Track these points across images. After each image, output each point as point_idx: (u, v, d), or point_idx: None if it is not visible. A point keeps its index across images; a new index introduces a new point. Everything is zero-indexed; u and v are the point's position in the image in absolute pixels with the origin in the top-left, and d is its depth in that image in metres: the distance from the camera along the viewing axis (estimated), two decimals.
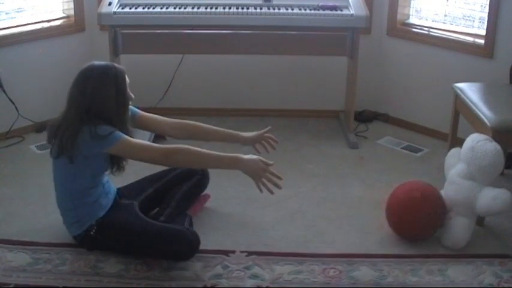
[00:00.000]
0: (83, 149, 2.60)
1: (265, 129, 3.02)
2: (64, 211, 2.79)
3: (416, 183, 3.02)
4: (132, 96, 2.76)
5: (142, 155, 2.64)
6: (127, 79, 2.72)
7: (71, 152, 2.61)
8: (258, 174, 2.65)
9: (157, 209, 2.94)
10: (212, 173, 3.14)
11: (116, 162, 2.74)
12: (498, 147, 2.85)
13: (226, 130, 3.02)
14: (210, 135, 2.98)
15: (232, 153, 2.71)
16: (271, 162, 2.69)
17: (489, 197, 2.81)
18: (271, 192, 2.69)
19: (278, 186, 2.67)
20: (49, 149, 2.75)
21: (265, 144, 3.00)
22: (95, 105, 2.63)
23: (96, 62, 2.73)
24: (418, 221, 2.87)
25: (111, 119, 2.64)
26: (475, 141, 2.88)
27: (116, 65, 2.74)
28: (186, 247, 2.69)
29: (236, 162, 2.67)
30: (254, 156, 2.70)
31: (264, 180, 2.65)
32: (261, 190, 2.68)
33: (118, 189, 2.94)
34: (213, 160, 2.68)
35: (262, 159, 2.69)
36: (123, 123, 2.69)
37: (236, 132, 3.02)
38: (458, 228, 2.87)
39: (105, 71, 2.66)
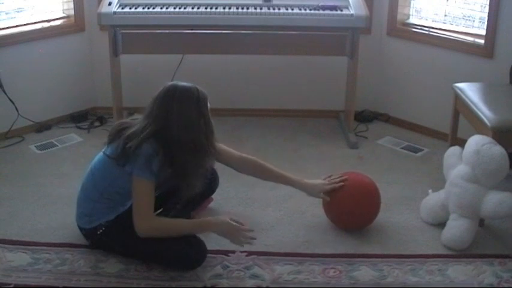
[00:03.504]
0: (131, 160, 2.59)
1: (329, 178, 2.99)
2: (84, 198, 2.76)
3: (356, 174, 3.09)
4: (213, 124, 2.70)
5: (138, 208, 2.61)
6: (208, 105, 2.68)
7: (125, 161, 2.59)
8: (232, 235, 2.69)
9: (161, 209, 2.93)
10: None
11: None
12: (503, 151, 2.85)
13: (291, 176, 3.00)
14: (276, 178, 3.00)
15: (201, 219, 2.85)
16: (241, 222, 2.72)
17: (495, 202, 2.81)
18: (249, 243, 2.72)
19: (252, 242, 2.71)
20: (106, 143, 2.71)
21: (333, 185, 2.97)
22: (170, 127, 2.58)
23: (183, 83, 2.66)
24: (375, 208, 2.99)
25: (194, 145, 2.61)
26: (480, 145, 2.88)
27: (199, 87, 2.67)
28: (191, 255, 2.67)
29: (209, 225, 2.72)
30: (224, 218, 2.71)
31: (240, 239, 2.69)
32: (240, 245, 2.72)
33: None
34: (188, 227, 2.71)
35: (234, 219, 2.71)
36: (207, 152, 2.67)
37: (300, 179, 2.99)
38: (462, 230, 2.87)
39: (188, 91, 2.62)
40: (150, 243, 2.67)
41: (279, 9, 3.85)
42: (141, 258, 2.73)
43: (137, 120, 2.68)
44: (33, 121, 4.10)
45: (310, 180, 3.00)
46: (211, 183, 3.07)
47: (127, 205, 2.76)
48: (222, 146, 2.94)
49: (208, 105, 2.69)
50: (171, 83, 2.67)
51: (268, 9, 3.85)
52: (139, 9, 3.82)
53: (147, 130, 2.58)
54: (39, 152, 3.86)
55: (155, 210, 2.92)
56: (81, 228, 2.79)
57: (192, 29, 4.04)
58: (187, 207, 2.92)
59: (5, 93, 3.94)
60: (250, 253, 2.80)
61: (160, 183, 2.67)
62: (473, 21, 3.90)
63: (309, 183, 2.98)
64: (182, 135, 2.60)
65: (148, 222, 2.63)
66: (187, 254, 2.67)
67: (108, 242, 2.74)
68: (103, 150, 2.73)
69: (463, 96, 3.35)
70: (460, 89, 3.41)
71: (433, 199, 3.11)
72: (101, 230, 2.73)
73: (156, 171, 2.59)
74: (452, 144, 3.37)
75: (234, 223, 2.69)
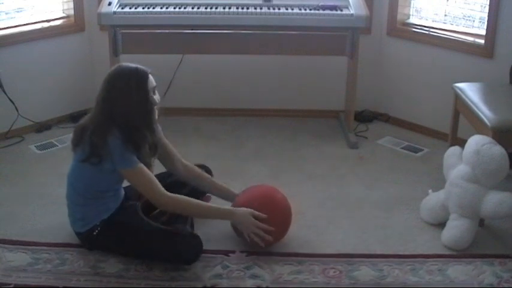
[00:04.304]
0: (107, 158, 2.61)
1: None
2: (72, 205, 2.79)
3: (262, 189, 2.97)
4: (157, 100, 2.72)
5: (147, 193, 2.68)
6: (151, 82, 2.69)
7: (98, 159, 2.61)
8: (247, 227, 2.72)
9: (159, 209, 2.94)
10: (213, 173, 3.14)
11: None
12: (504, 151, 2.85)
13: (225, 188, 3.01)
14: (210, 188, 3.01)
15: (227, 207, 2.83)
16: (263, 216, 2.72)
17: (495, 202, 2.81)
18: (260, 245, 2.73)
19: (265, 241, 2.72)
20: (72, 150, 2.73)
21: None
22: (117, 111, 2.62)
23: (123, 65, 2.71)
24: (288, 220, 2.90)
25: (136, 126, 2.64)
26: (480, 145, 2.88)
27: (140, 67, 2.70)
28: (188, 252, 2.69)
29: (231, 215, 2.77)
30: (246, 211, 2.73)
31: (252, 234, 2.71)
32: (248, 240, 2.74)
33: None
34: (211, 212, 2.78)
35: (255, 213, 2.72)
36: (148, 131, 2.69)
37: (233, 192, 2.99)
38: (462, 230, 2.87)
39: (127, 75, 2.65)
40: (146, 239, 2.68)
41: (279, 9, 3.85)
42: (139, 254, 2.73)
43: (89, 116, 2.70)
44: (33, 121, 4.10)
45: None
46: None
47: (118, 202, 2.78)
48: (170, 147, 2.97)
49: (152, 82, 2.69)
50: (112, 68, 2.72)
51: (268, 9, 3.85)
52: (139, 9, 3.82)
53: (101, 121, 2.61)
54: (39, 152, 3.86)
55: (153, 210, 2.93)
56: (77, 233, 2.80)
57: (192, 29, 4.03)
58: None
59: (5, 93, 3.94)
60: (250, 253, 2.80)
61: (144, 161, 2.70)
62: (473, 21, 3.90)
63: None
64: (128, 114, 2.63)
65: (165, 198, 2.68)
66: (184, 249, 2.68)
67: (105, 241, 2.75)
68: (73, 159, 2.75)
69: (463, 96, 3.35)
70: (460, 89, 3.42)
71: (433, 199, 3.10)
72: (96, 231, 2.73)
73: (133, 154, 2.62)
74: (452, 144, 3.37)
75: (253, 219, 2.71)
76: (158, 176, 2.82)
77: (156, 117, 2.75)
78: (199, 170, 3.01)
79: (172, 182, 2.94)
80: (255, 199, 2.83)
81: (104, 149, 2.60)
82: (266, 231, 2.72)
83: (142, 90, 2.65)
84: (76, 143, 2.70)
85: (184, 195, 2.82)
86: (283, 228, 2.86)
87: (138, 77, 2.66)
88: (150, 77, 2.70)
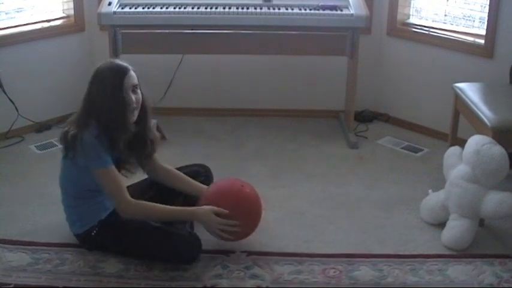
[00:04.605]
0: (80, 153, 2.61)
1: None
2: (66, 208, 2.80)
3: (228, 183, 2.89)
4: (133, 99, 2.65)
5: (113, 196, 2.65)
6: (131, 79, 2.65)
7: (73, 153, 2.61)
8: (210, 226, 2.70)
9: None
10: (213, 173, 3.14)
11: (123, 167, 2.75)
12: (504, 150, 2.85)
13: (201, 187, 2.93)
14: (189, 189, 2.93)
15: (190, 208, 2.78)
16: (225, 212, 2.69)
17: (495, 202, 2.81)
18: (229, 240, 2.73)
19: (233, 235, 2.71)
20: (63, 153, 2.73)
21: None
22: (94, 108, 2.62)
23: (104, 62, 2.68)
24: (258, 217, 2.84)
25: (110, 124, 2.61)
26: (480, 145, 2.88)
27: (119, 64, 2.67)
28: (187, 251, 2.69)
29: (192, 215, 2.75)
30: (207, 209, 2.70)
31: (217, 231, 2.69)
32: (218, 238, 2.74)
33: None
34: (174, 215, 2.74)
35: (215, 209, 2.69)
36: (122, 129, 2.64)
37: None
38: (462, 230, 2.87)
39: (103, 72, 2.63)
40: (145, 239, 2.68)
41: (279, 9, 3.85)
42: (138, 254, 2.73)
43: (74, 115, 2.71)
44: (33, 121, 4.10)
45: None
46: (204, 182, 3.07)
47: (112, 203, 2.76)
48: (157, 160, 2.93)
49: (130, 79, 2.64)
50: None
51: (268, 9, 3.85)
52: (139, 9, 3.82)
53: (80, 116, 2.62)
54: (39, 152, 3.86)
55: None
56: (76, 235, 2.80)
57: (192, 29, 4.03)
58: (184, 206, 2.93)
59: (5, 93, 3.94)
60: (250, 253, 2.80)
61: (123, 159, 2.70)
62: (473, 21, 3.90)
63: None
64: (103, 111, 2.60)
65: (128, 205, 2.65)
66: (183, 248, 2.68)
67: (104, 242, 2.74)
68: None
69: (463, 96, 3.35)
70: (460, 89, 3.41)
71: (433, 199, 3.10)
72: (95, 231, 2.73)
73: (107, 154, 2.61)
74: (452, 144, 3.36)
75: (215, 217, 2.68)
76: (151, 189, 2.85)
77: (135, 115, 2.68)
78: (176, 172, 2.95)
79: (167, 190, 2.93)
80: (216, 194, 2.79)
81: (77, 144, 2.58)
82: (231, 226, 2.68)
83: (116, 87, 2.61)
84: (60, 141, 2.71)
85: (180, 202, 2.84)
86: (250, 220, 2.79)
87: (114, 74, 2.62)
88: (131, 74, 2.65)
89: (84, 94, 2.67)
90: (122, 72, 2.64)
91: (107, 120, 2.61)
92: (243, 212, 2.75)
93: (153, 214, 2.71)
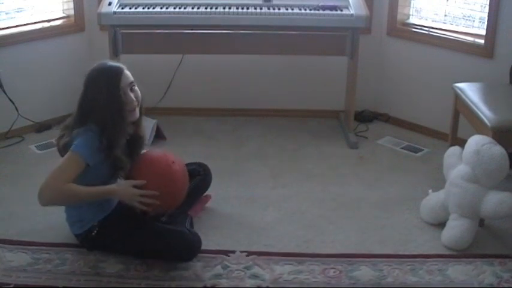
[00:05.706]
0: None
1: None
2: (67, 208, 2.80)
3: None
4: (133, 97, 2.66)
5: (50, 175, 2.59)
6: (127, 78, 2.65)
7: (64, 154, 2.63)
8: (130, 199, 2.66)
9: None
10: (213, 173, 3.15)
11: (120, 168, 2.72)
12: (503, 151, 2.85)
13: None
14: None
15: (108, 186, 2.70)
16: (142, 182, 2.66)
17: (495, 202, 2.81)
18: (148, 212, 2.70)
19: (154, 206, 2.67)
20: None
21: None
22: (90, 113, 2.62)
23: (98, 63, 2.68)
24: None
25: (105, 128, 2.60)
26: (480, 145, 2.88)
27: (113, 65, 2.68)
28: (187, 248, 2.70)
29: (110, 192, 2.69)
30: (125, 183, 2.68)
31: (137, 203, 2.65)
32: (137, 210, 2.69)
33: None
34: (92, 194, 2.65)
35: (133, 182, 2.67)
36: (120, 133, 2.64)
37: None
38: (462, 230, 2.87)
39: (97, 73, 2.63)
40: (145, 238, 2.68)
41: (279, 9, 3.85)
42: (138, 253, 2.73)
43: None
44: (33, 121, 4.10)
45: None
46: (204, 181, 3.08)
47: (113, 201, 2.77)
48: None
49: (126, 78, 2.64)
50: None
51: (268, 9, 3.85)
52: (139, 9, 3.82)
53: (75, 123, 2.64)
54: (39, 152, 3.86)
55: None
56: (76, 236, 2.80)
57: (192, 29, 4.04)
58: (183, 207, 2.92)
59: (5, 93, 3.94)
60: (250, 253, 2.80)
61: (119, 159, 2.66)
62: (473, 21, 3.90)
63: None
64: (99, 111, 2.60)
65: (53, 190, 2.58)
66: (184, 246, 2.69)
67: (104, 241, 2.74)
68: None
69: (463, 96, 3.35)
70: (460, 89, 3.42)
71: (433, 199, 3.10)
72: (95, 231, 2.73)
73: (96, 152, 2.58)
74: (452, 144, 3.37)
75: (132, 189, 2.64)
76: None
77: (137, 112, 2.70)
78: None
79: None
80: (143, 162, 2.77)
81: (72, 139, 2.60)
82: (151, 197, 2.64)
83: (111, 88, 2.61)
84: (58, 141, 2.72)
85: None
86: (169, 194, 2.73)
87: (109, 76, 2.62)
88: (126, 73, 2.66)
89: (79, 99, 2.66)
90: (117, 72, 2.64)
91: (104, 122, 2.61)
92: (163, 184, 2.69)
93: (71, 196, 2.62)
